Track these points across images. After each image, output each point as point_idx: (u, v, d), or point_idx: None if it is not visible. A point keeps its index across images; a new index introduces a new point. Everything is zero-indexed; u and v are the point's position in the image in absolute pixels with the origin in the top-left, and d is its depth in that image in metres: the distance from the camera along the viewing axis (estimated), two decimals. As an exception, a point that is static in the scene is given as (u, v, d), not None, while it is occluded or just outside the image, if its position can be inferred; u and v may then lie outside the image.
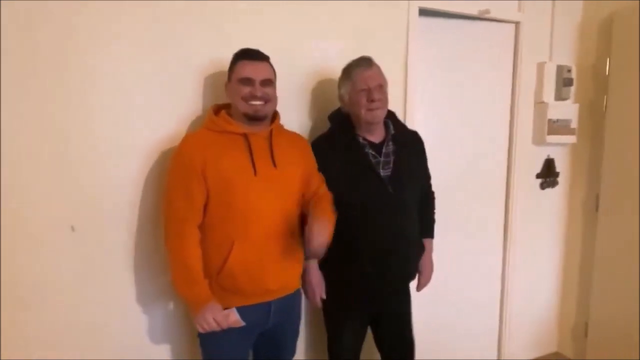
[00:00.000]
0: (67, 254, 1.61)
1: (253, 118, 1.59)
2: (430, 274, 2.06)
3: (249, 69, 1.58)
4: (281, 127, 1.73)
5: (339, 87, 1.87)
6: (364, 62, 1.82)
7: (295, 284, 1.75)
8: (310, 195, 1.74)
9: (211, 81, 1.79)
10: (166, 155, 1.71)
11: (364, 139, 1.84)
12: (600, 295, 2.82)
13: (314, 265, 1.83)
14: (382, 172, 1.81)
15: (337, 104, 2.02)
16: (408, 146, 1.93)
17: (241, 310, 1.56)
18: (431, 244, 2.07)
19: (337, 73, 2.07)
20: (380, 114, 1.82)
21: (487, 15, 2.46)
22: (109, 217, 1.67)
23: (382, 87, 1.81)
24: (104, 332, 1.70)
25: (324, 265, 1.86)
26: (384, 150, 1.85)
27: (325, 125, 2.00)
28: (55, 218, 1.58)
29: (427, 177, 2.08)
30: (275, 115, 1.69)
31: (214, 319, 1.50)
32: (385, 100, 1.83)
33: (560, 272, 3.00)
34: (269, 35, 1.87)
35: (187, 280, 1.53)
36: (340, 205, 1.75)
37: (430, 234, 2.07)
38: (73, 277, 1.62)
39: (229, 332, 1.55)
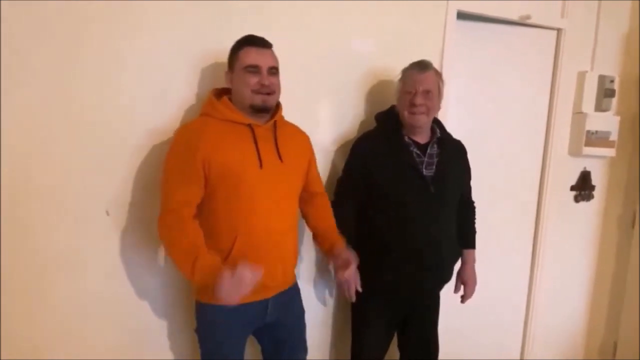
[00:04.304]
0: (102, 237, 1.65)
1: (260, 110, 1.54)
2: (474, 285, 2.05)
3: (255, 56, 1.51)
4: (283, 118, 1.67)
5: (397, 86, 1.89)
6: (418, 65, 1.82)
7: (292, 279, 1.72)
8: (310, 193, 1.75)
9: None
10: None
11: (409, 138, 1.85)
12: (631, 316, 2.72)
13: None
14: (425, 172, 1.82)
15: (367, 103, 2.01)
16: (452, 152, 1.93)
17: (238, 308, 1.46)
18: (473, 254, 2.06)
19: (367, 73, 2.05)
20: (422, 119, 1.81)
21: (527, 21, 2.40)
22: (140, 203, 1.70)
23: (429, 92, 1.79)
24: (124, 312, 1.73)
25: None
26: (428, 151, 1.85)
27: (355, 122, 2.01)
28: (91, 202, 1.62)
29: (468, 186, 2.07)
30: (277, 106, 1.63)
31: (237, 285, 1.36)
32: (430, 107, 1.80)
33: (591, 289, 2.90)
34: (299, 32, 1.87)
35: (190, 259, 1.41)
36: (379, 202, 1.77)
37: (472, 244, 2.06)
38: (103, 262, 1.67)
39: (225, 328, 1.55)
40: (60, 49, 1.52)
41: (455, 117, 2.29)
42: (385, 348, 2.00)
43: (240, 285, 1.35)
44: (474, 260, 2.06)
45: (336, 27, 1.97)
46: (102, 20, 1.57)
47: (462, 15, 2.25)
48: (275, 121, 1.60)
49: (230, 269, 1.36)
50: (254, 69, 1.51)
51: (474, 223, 2.08)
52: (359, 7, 2.00)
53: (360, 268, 1.85)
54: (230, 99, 1.57)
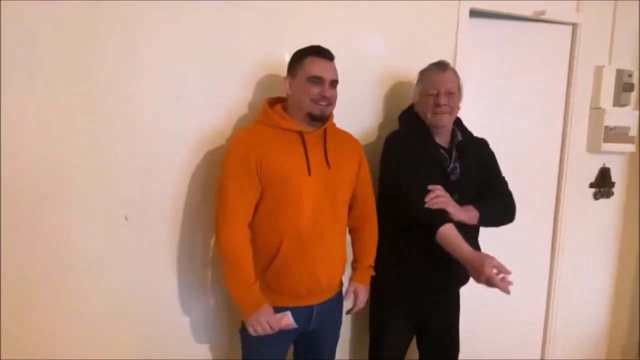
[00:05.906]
0: (119, 242, 1.67)
1: (317, 118, 1.57)
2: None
3: (320, 68, 1.54)
4: (334, 125, 1.70)
5: (415, 87, 1.87)
6: (438, 66, 1.80)
7: (337, 286, 1.73)
8: (354, 196, 1.73)
9: (261, 78, 1.80)
10: (214, 150, 1.73)
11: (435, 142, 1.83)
12: (655, 315, 2.66)
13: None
14: (451, 177, 1.79)
15: (383, 104, 2.02)
16: (473, 154, 1.88)
17: (282, 311, 1.55)
18: (472, 210, 1.75)
19: (381, 74, 2.04)
20: (446, 119, 1.79)
21: (542, 17, 2.36)
22: (157, 208, 1.71)
23: (451, 93, 1.77)
24: (145, 320, 1.75)
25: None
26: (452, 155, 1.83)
27: (373, 125, 2.01)
28: (109, 207, 1.64)
29: (501, 182, 1.97)
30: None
31: (268, 323, 1.50)
32: (453, 107, 1.79)
33: (612, 288, 2.85)
34: (312, 34, 1.85)
35: (241, 283, 1.51)
36: (401, 202, 1.73)
37: (478, 204, 1.78)
38: (122, 265, 1.68)
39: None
40: (95, 54, 1.55)
41: (470, 115, 2.25)
42: (404, 348, 1.98)
43: (276, 324, 1.52)
44: (463, 212, 1.74)
45: (348, 28, 1.96)
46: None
47: (474, 13, 2.22)
48: (325, 128, 1.62)
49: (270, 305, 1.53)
50: (317, 80, 1.54)
51: (499, 205, 1.88)
52: (370, 7, 1.99)
53: (379, 267, 1.84)
54: (283, 107, 1.61)
